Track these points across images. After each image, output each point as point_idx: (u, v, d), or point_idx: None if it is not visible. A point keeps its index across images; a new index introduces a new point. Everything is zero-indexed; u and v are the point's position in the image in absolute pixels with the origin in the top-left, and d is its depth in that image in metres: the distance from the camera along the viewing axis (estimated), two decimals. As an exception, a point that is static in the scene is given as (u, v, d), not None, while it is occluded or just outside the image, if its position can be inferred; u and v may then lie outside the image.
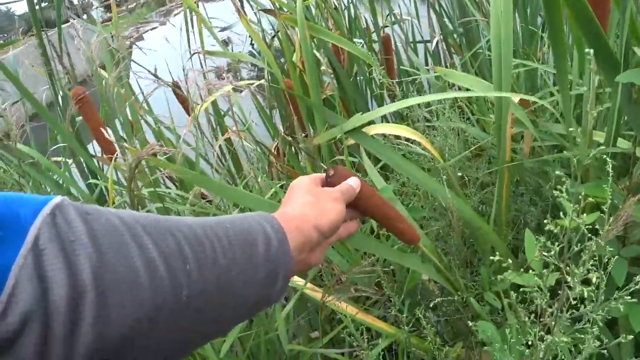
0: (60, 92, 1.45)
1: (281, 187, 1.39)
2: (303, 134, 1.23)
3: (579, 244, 0.44)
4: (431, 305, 0.89)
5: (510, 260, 0.58)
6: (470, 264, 0.98)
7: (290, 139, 1.26)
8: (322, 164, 1.26)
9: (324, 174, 0.59)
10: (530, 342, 0.47)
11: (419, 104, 1.23)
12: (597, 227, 0.54)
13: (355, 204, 0.58)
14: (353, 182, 0.57)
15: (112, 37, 1.47)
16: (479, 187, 1.08)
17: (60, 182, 1.27)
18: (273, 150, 1.74)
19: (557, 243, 0.44)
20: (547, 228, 0.43)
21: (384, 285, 0.81)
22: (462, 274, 0.82)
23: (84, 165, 1.41)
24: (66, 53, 1.44)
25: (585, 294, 0.43)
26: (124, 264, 0.31)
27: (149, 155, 0.60)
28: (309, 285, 0.90)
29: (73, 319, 0.28)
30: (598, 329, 0.46)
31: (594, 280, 0.42)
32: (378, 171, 1.25)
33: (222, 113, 1.80)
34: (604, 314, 0.45)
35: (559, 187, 0.45)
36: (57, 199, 0.31)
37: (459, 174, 1.10)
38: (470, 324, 0.62)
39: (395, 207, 0.63)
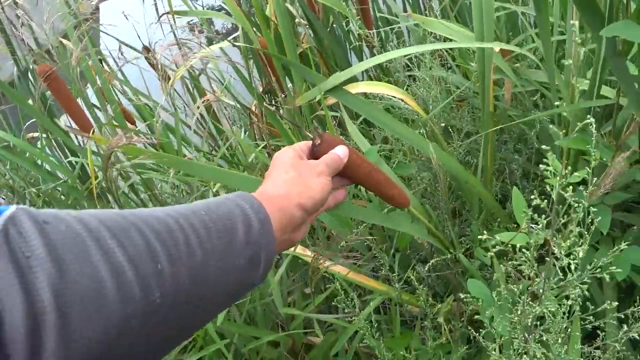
0: (26, 66, 1.39)
1: (264, 147, 1.38)
2: (282, 95, 1.20)
3: (566, 216, 0.44)
4: (421, 260, 0.91)
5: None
6: (459, 214, 0.99)
7: (267, 101, 1.23)
8: (305, 128, 1.24)
9: (311, 142, 0.56)
10: (517, 301, 0.48)
11: (398, 54, 1.20)
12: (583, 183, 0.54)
13: (344, 173, 0.56)
14: (340, 152, 0.55)
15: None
16: (463, 137, 1.08)
17: (39, 162, 1.23)
18: (253, 109, 1.71)
19: (544, 215, 0.44)
20: (534, 204, 0.43)
21: (373, 247, 0.82)
22: (451, 227, 0.83)
23: (63, 142, 1.38)
24: (27, 24, 1.37)
25: (572, 267, 0.43)
26: (87, 276, 0.28)
27: (119, 146, 0.57)
28: (299, 247, 0.91)
29: (33, 347, 0.25)
30: (580, 290, 0.46)
31: (580, 254, 0.43)
32: (360, 126, 1.24)
33: (197, 73, 1.75)
34: (588, 281, 0.46)
35: (545, 162, 0.45)
36: (10, 210, 0.28)
37: (442, 124, 1.10)
38: (460, 279, 0.64)
39: (385, 172, 0.61)
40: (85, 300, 0.28)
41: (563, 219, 0.44)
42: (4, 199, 1.19)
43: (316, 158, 0.54)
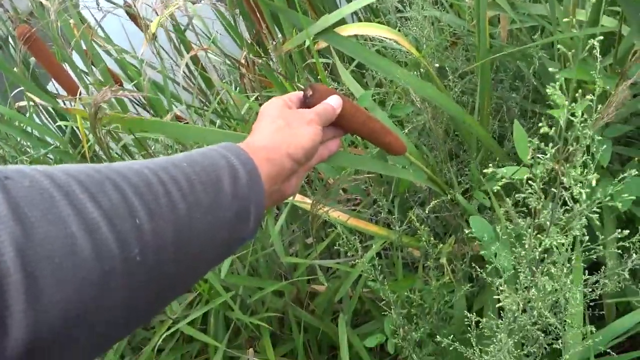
0: (7, 33, 1.34)
1: (256, 99, 1.35)
2: (272, 42, 1.17)
3: (574, 144, 0.43)
4: (420, 202, 0.91)
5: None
6: (456, 156, 0.98)
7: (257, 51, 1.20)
8: (296, 77, 1.22)
9: (302, 92, 0.54)
10: (523, 235, 0.48)
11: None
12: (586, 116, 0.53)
13: (338, 123, 0.54)
14: (333, 102, 0.52)
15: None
16: (458, 78, 1.06)
17: (29, 129, 1.21)
18: (243, 61, 1.67)
19: (550, 144, 0.43)
20: (542, 131, 0.42)
21: (371, 191, 0.81)
22: (449, 169, 0.82)
23: (52, 109, 1.35)
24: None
25: (584, 195, 0.42)
26: (56, 233, 0.26)
27: (105, 100, 0.55)
28: (298, 196, 0.90)
29: None
30: (586, 220, 0.46)
31: (593, 183, 0.42)
32: (352, 73, 1.21)
33: (182, 28, 1.70)
34: (597, 209, 0.46)
35: (552, 84, 0.43)
36: None
37: (437, 65, 1.07)
38: (459, 221, 0.64)
39: (380, 120, 0.60)
40: (55, 259, 0.25)
41: (569, 148, 0.43)
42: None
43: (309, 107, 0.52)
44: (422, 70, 0.92)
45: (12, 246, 0.24)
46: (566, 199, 0.45)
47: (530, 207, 0.46)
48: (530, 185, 0.44)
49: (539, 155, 0.42)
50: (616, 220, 0.76)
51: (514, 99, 0.96)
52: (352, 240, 0.73)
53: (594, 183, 0.42)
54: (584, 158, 0.42)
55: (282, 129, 0.46)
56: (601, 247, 0.57)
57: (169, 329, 0.86)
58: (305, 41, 0.93)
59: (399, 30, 1.08)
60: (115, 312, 0.29)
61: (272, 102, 0.51)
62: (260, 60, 0.99)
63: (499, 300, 0.50)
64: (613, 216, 0.75)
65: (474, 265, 0.67)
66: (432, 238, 0.70)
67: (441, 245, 0.71)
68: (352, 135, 0.61)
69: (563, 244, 0.45)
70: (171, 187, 0.33)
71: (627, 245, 0.58)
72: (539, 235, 0.46)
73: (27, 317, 0.24)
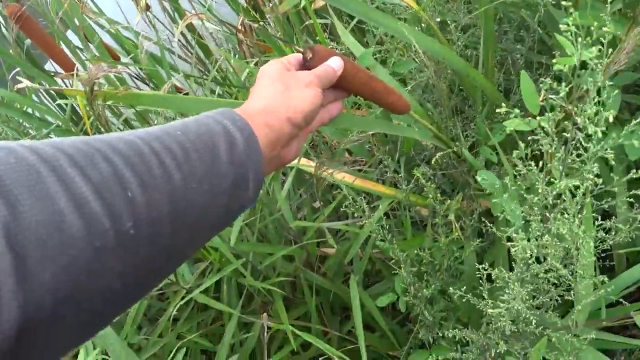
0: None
1: (256, 64, 1.33)
2: (269, 3, 1.14)
3: (584, 85, 0.41)
4: (426, 160, 0.90)
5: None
6: (460, 112, 0.96)
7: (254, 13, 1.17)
8: (294, 39, 1.19)
9: (301, 55, 0.52)
10: (530, 187, 0.47)
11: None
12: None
13: (339, 85, 0.53)
14: (334, 64, 0.51)
15: None
16: (461, 31, 1.03)
17: (30, 110, 1.20)
18: (240, 27, 1.63)
19: (562, 84, 0.41)
20: (555, 67, 0.40)
21: (375, 151, 0.81)
22: (454, 124, 0.81)
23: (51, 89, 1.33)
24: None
25: (599, 133, 0.41)
26: (43, 210, 0.25)
27: (100, 75, 0.54)
28: (302, 159, 0.90)
29: None
30: (598, 167, 0.45)
31: (610, 119, 0.41)
32: (352, 29, 1.18)
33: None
34: (612, 150, 0.45)
35: (564, 20, 0.41)
36: None
37: (438, 19, 1.04)
38: (467, 177, 0.63)
39: (382, 80, 0.58)
40: (44, 236, 0.25)
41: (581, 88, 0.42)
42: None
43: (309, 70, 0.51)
44: (423, 25, 0.90)
45: None
46: (579, 141, 0.44)
47: (541, 152, 0.45)
48: (543, 128, 0.42)
49: (552, 97, 0.40)
50: (626, 171, 0.75)
51: (519, 50, 0.93)
52: (359, 201, 0.73)
53: (610, 119, 0.40)
54: (595, 99, 0.41)
55: (280, 93, 0.45)
56: (611, 197, 0.56)
57: (183, 298, 0.88)
58: (301, 1, 0.91)
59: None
60: (110, 287, 0.28)
61: (271, 65, 0.49)
62: (257, 25, 0.97)
63: (509, 252, 0.50)
64: (623, 167, 0.74)
65: (483, 220, 0.66)
66: (439, 195, 0.70)
67: (449, 201, 0.70)
68: (354, 96, 0.60)
69: (577, 187, 0.44)
70: (165, 156, 0.32)
71: (639, 193, 0.57)
72: (551, 179, 0.45)
73: (17, 298, 0.23)
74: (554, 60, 0.52)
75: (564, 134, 0.44)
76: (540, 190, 0.45)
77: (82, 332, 0.29)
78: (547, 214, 0.47)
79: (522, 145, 0.44)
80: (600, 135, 0.41)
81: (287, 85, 0.46)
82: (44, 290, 0.24)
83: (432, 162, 0.76)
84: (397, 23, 0.74)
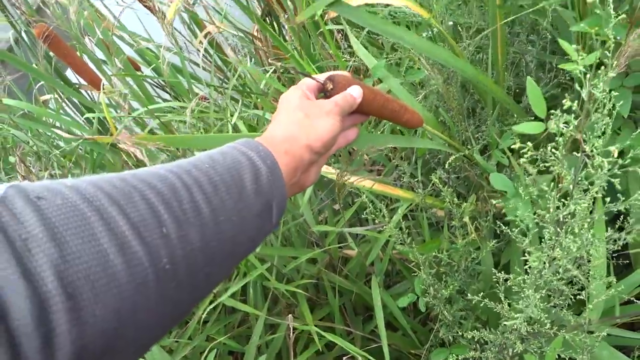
0: (21, 28, 1.38)
1: (274, 72, 1.37)
2: (285, 14, 1.17)
3: (597, 112, 0.43)
4: (440, 163, 0.92)
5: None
6: (473, 114, 0.98)
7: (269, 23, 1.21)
8: (311, 49, 1.22)
9: (316, 82, 0.53)
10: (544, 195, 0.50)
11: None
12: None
13: (358, 109, 0.55)
14: (354, 92, 0.53)
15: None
16: (474, 33, 1.04)
17: (57, 124, 1.26)
18: (256, 34, 1.67)
19: (572, 113, 0.43)
20: (565, 106, 0.43)
21: (392, 157, 0.83)
22: (466, 128, 0.83)
23: (77, 101, 1.39)
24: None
25: (606, 164, 0.43)
26: (90, 251, 0.27)
27: (131, 145, 0.58)
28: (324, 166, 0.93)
29: (44, 334, 0.24)
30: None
31: (615, 154, 0.43)
32: (368, 36, 1.21)
33: (192, 2, 1.69)
34: (620, 173, 0.47)
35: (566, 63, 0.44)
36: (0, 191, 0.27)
37: (450, 22, 1.06)
38: (480, 180, 0.65)
39: (397, 100, 0.61)
40: (92, 277, 0.26)
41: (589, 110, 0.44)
42: (31, 164, 1.23)
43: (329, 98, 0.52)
44: (434, 30, 0.92)
45: (51, 269, 0.25)
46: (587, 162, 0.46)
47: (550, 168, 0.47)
48: (554, 153, 0.45)
49: (562, 125, 0.43)
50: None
51: (530, 52, 0.95)
52: (379, 207, 0.76)
53: (615, 154, 0.42)
54: (600, 117, 0.43)
55: (300, 121, 0.47)
56: (623, 198, 0.58)
57: (211, 302, 0.91)
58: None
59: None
60: (150, 319, 0.30)
61: (291, 92, 0.51)
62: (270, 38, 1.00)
63: (525, 258, 0.52)
64: (637, 165, 0.75)
65: (497, 222, 0.68)
66: (455, 198, 0.72)
67: (464, 204, 0.72)
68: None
69: (589, 203, 0.46)
70: (195, 191, 0.34)
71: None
72: (562, 200, 0.47)
73: (71, 334, 0.25)
74: (560, 65, 0.54)
75: (575, 153, 0.46)
76: (551, 209, 0.47)
77: (130, 358, 0.31)
78: (558, 229, 0.49)
79: (529, 146, 0.46)
80: (606, 165, 0.43)
81: (307, 113, 0.48)
82: (94, 327, 0.26)
83: (446, 166, 0.79)
84: (406, 34, 0.76)
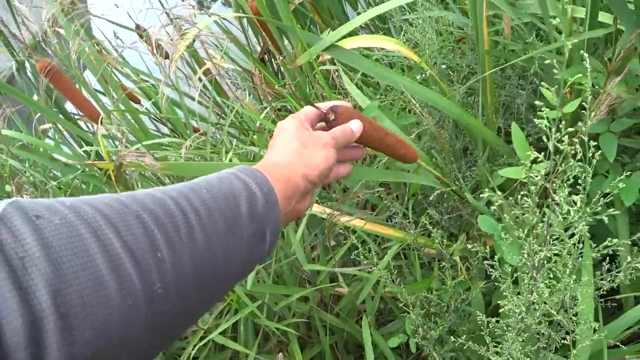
0: (22, 59, 1.41)
1: (272, 109, 1.39)
2: (281, 57, 1.20)
3: (563, 164, 0.45)
4: (433, 204, 0.93)
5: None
6: (464, 154, 1.00)
7: (267, 63, 1.23)
8: (306, 86, 1.25)
9: (317, 110, 0.54)
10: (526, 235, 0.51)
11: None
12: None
13: (357, 141, 0.56)
14: (354, 126, 0.54)
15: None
16: (467, 75, 1.07)
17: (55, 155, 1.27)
18: (253, 71, 1.70)
19: (541, 166, 0.45)
20: (531, 157, 0.45)
21: (384, 198, 0.84)
22: (457, 169, 0.85)
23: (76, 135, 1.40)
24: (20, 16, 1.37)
25: (572, 213, 0.45)
26: (85, 272, 0.27)
27: (126, 161, 0.59)
28: (315, 205, 0.94)
29: (35, 354, 0.25)
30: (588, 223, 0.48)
31: (578, 204, 0.44)
32: (363, 77, 1.24)
33: (192, 40, 1.73)
34: (591, 220, 0.48)
35: (540, 113, 0.46)
36: None
37: (443, 65, 1.09)
38: (471, 218, 0.66)
39: (395, 134, 0.62)
40: (85, 298, 0.27)
41: (560, 160, 0.46)
42: (27, 195, 1.24)
43: (331, 129, 0.53)
44: (426, 73, 0.95)
45: (45, 288, 0.25)
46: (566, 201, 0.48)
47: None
48: (526, 201, 0.46)
49: (532, 175, 0.44)
50: (628, 213, 0.77)
51: (521, 95, 0.98)
52: (369, 247, 0.77)
53: (578, 203, 0.44)
54: (578, 165, 0.45)
55: (297, 150, 0.47)
56: (612, 240, 0.59)
57: (201, 338, 0.91)
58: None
59: (404, 34, 1.10)
60: (139, 340, 0.30)
61: (288, 122, 0.51)
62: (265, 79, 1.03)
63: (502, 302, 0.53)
64: (624, 209, 0.76)
65: (486, 262, 0.69)
66: (445, 239, 0.73)
67: (454, 245, 0.73)
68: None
69: (562, 250, 0.47)
70: (191, 215, 0.35)
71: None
72: (537, 246, 0.48)
73: (61, 354, 0.25)
74: (538, 114, 0.56)
75: (548, 202, 0.47)
76: (526, 255, 0.48)
77: None
78: (534, 274, 0.50)
79: (499, 196, 0.48)
80: (572, 214, 0.45)
81: (304, 143, 0.48)
82: (85, 346, 0.27)
83: (439, 205, 0.80)
84: (397, 77, 0.79)
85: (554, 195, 0.45)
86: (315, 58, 0.93)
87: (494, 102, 0.88)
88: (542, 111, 0.45)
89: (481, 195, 0.80)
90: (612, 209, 0.52)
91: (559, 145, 0.45)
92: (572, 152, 0.48)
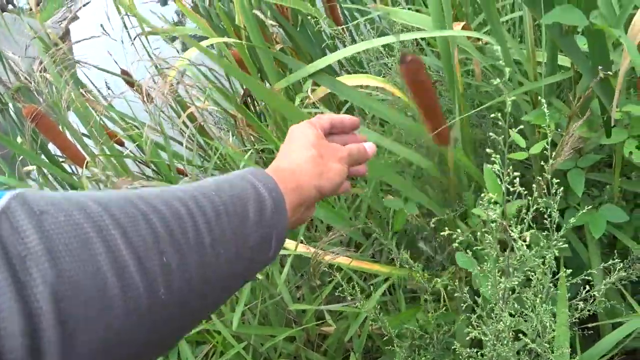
0: (5, 102, 1.42)
1: (256, 150, 1.42)
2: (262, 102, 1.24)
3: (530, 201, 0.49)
4: (422, 237, 0.96)
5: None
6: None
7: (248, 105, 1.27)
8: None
9: (329, 121, 0.53)
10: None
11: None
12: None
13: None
14: (369, 147, 0.53)
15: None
16: (445, 113, 1.12)
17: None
18: (236, 115, 1.74)
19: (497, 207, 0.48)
20: (485, 198, 0.48)
21: (372, 232, 0.87)
22: (445, 201, 0.88)
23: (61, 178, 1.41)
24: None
25: (525, 248, 0.48)
26: (88, 273, 0.26)
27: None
28: (301, 246, 0.95)
29: (32, 357, 0.24)
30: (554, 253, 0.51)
31: (527, 240, 0.47)
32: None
33: (176, 82, 1.77)
34: (549, 256, 0.51)
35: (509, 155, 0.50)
36: (3, 200, 0.26)
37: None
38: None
39: None
40: (87, 302, 0.26)
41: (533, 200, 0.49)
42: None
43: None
44: (409, 113, 0.99)
45: (46, 289, 0.24)
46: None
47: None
48: (486, 237, 0.49)
49: (489, 213, 0.48)
50: (600, 244, 0.80)
51: (497, 132, 1.02)
52: (355, 284, 0.78)
53: (527, 240, 0.47)
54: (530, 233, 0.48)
55: (314, 160, 0.46)
56: (585, 271, 0.62)
57: (188, 381, 0.90)
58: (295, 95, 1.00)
59: (383, 76, 1.16)
60: (139, 345, 0.30)
61: (305, 127, 0.50)
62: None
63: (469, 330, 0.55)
64: (596, 240, 0.80)
65: (463, 293, 0.71)
66: (426, 274, 0.75)
67: (436, 280, 0.75)
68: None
69: (532, 279, 0.50)
70: (199, 219, 0.34)
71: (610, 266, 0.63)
72: (500, 278, 0.51)
73: (63, 357, 0.25)
74: (509, 155, 0.60)
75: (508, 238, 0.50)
76: (489, 286, 0.51)
77: None
78: (500, 304, 0.52)
79: (458, 233, 0.51)
80: (525, 250, 0.48)
81: (321, 153, 0.47)
82: (84, 349, 0.26)
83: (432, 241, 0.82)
84: (392, 113, 0.83)
85: (511, 233, 0.48)
86: (303, 100, 0.97)
87: (470, 140, 0.93)
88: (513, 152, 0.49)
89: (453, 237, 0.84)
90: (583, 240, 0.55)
91: (509, 187, 0.49)
92: (542, 188, 0.52)
